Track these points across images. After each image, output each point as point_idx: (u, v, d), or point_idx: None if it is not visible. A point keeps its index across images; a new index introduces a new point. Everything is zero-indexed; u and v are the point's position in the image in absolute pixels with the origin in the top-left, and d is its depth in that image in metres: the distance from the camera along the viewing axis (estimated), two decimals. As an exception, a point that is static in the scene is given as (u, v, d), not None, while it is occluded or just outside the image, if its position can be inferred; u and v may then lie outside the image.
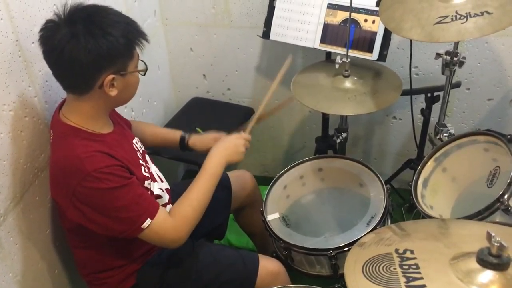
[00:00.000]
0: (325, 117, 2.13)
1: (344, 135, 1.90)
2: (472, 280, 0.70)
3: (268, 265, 1.45)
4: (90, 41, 1.11)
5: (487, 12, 1.35)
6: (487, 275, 0.70)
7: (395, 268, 0.73)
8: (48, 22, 1.15)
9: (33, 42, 1.32)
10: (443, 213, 1.48)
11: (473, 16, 1.35)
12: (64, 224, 1.34)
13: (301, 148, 2.47)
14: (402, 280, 0.71)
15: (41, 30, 1.15)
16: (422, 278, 0.71)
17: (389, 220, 1.60)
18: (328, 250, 1.45)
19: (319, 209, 1.76)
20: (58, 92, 1.31)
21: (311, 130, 2.37)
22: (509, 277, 0.69)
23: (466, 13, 1.36)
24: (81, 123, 1.22)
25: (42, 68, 1.36)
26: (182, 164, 2.54)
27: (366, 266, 0.76)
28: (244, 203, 1.79)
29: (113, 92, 1.19)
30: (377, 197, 1.61)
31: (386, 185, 2.19)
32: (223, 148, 1.44)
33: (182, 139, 1.64)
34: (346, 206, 1.72)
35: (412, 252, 0.76)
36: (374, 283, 0.71)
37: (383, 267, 0.74)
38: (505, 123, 2.17)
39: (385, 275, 0.73)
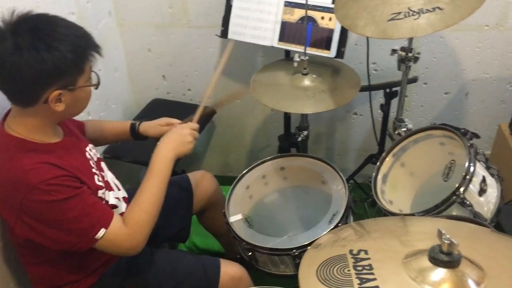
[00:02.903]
0: (287, 115, 2.13)
1: (305, 133, 1.90)
2: (424, 279, 0.70)
3: (229, 270, 1.43)
4: (34, 55, 1.04)
5: (438, 8, 1.37)
6: (439, 273, 0.70)
7: (349, 270, 0.73)
8: None
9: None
10: (403, 207, 1.50)
11: (425, 12, 1.37)
12: (13, 239, 1.28)
13: (265, 147, 2.46)
14: (356, 282, 0.70)
15: None
16: (375, 279, 0.70)
17: (351, 217, 1.61)
18: (291, 249, 1.45)
19: (282, 208, 1.76)
20: (8, 100, 1.25)
21: (274, 129, 2.37)
22: (460, 274, 0.70)
23: (418, 9, 1.38)
24: (26, 134, 1.16)
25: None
26: (145, 167, 2.49)
27: (321, 269, 0.75)
28: (206, 204, 1.76)
29: (60, 107, 1.13)
30: (339, 194, 1.61)
31: (350, 180, 2.23)
32: (169, 141, 1.35)
33: (133, 127, 1.58)
34: (309, 204, 1.72)
35: (366, 252, 0.76)
36: (328, 286, 0.71)
37: (337, 269, 0.74)
38: (462, 116, 2.22)
39: (339, 278, 0.72)
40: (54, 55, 1.06)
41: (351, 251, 0.77)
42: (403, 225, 1.00)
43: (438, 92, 2.16)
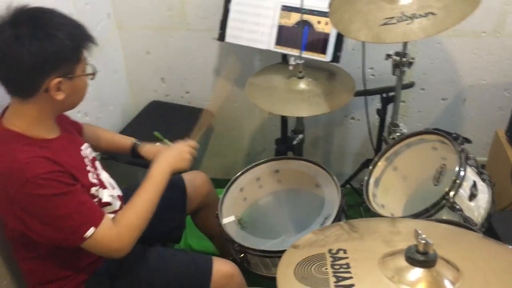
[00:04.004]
0: (284, 119, 2.13)
1: (300, 136, 1.91)
2: (401, 278, 0.70)
3: (222, 268, 1.44)
4: (34, 44, 1.08)
5: (431, 13, 1.38)
6: (415, 273, 0.71)
7: (326, 269, 0.73)
8: None
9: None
10: (394, 211, 1.50)
11: (418, 17, 1.38)
12: (7, 233, 1.29)
13: (262, 150, 2.47)
14: (332, 280, 0.71)
15: None
16: (351, 277, 0.71)
17: (344, 220, 1.61)
18: (281, 252, 1.44)
19: (276, 211, 1.76)
20: (3, 96, 1.27)
21: (271, 133, 2.37)
22: (435, 274, 0.70)
23: (411, 14, 1.39)
24: (24, 128, 1.18)
25: (-17, 73, 1.31)
26: (142, 169, 2.50)
27: (299, 267, 0.75)
28: (200, 205, 1.77)
29: (60, 96, 1.17)
30: (332, 197, 1.61)
31: (346, 185, 2.23)
32: (168, 156, 1.42)
33: (134, 146, 1.62)
34: (303, 207, 1.73)
35: (345, 251, 0.77)
36: (305, 284, 0.71)
37: (315, 267, 0.74)
38: (459, 122, 2.22)
39: (316, 276, 0.72)
40: (53, 43, 1.10)
41: (330, 250, 0.78)
42: (391, 226, 1.00)
43: (435, 97, 2.17)
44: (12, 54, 1.07)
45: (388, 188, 1.55)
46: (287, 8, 1.83)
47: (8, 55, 1.08)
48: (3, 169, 1.13)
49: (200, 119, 1.63)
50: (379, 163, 1.57)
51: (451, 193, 1.28)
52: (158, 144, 1.64)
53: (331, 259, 0.75)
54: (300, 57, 1.69)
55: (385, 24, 1.40)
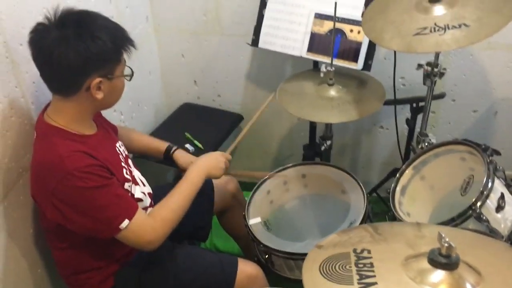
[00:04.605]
0: (313, 125, 2.16)
1: (328, 142, 1.93)
2: (423, 279, 0.72)
3: (246, 269, 1.47)
4: (79, 44, 1.14)
5: (464, 24, 1.38)
6: (438, 275, 0.73)
7: (350, 266, 0.76)
8: (38, 25, 1.19)
9: (21, 44, 1.35)
10: (420, 220, 1.50)
11: (451, 28, 1.39)
12: (43, 224, 1.36)
13: (290, 155, 2.50)
14: (355, 277, 0.73)
15: (31, 32, 1.19)
16: (374, 276, 0.73)
17: (369, 227, 1.62)
18: (306, 254, 1.47)
19: (301, 215, 1.79)
20: (45, 93, 1.34)
21: (299, 138, 2.40)
22: (457, 276, 0.72)
23: (444, 25, 1.40)
24: (64, 124, 1.25)
25: (29, 70, 1.39)
26: (172, 169, 2.56)
27: (324, 264, 0.78)
28: (227, 205, 1.81)
29: (99, 95, 1.23)
30: (358, 203, 1.63)
31: (372, 193, 2.24)
32: (206, 161, 1.51)
33: (169, 149, 1.68)
34: (328, 212, 1.75)
35: (369, 252, 0.79)
36: (329, 280, 0.74)
37: (339, 265, 0.77)
38: (489, 135, 2.19)
39: (340, 273, 0.75)
40: (97, 44, 1.16)
41: (354, 250, 0.80)
42: (416, 230, 1.02)
43: (466, 109, 2.15)
44: (58, 54, 1.14)
45: (415, 197, 1.55)
46: (320, 16, 1.86)
47: (54, 54, 1.14)
48: (46, 162, 1.19)
49: (239, 135, 1.71)
50: (407, 172, 1.58)
51: (478, 204, 1.28)
52: (189, 148, 1.69)
53: (355, 258, 0.78)
54: (331, 65, 1.71)
55: (417, 34, 1.41)
